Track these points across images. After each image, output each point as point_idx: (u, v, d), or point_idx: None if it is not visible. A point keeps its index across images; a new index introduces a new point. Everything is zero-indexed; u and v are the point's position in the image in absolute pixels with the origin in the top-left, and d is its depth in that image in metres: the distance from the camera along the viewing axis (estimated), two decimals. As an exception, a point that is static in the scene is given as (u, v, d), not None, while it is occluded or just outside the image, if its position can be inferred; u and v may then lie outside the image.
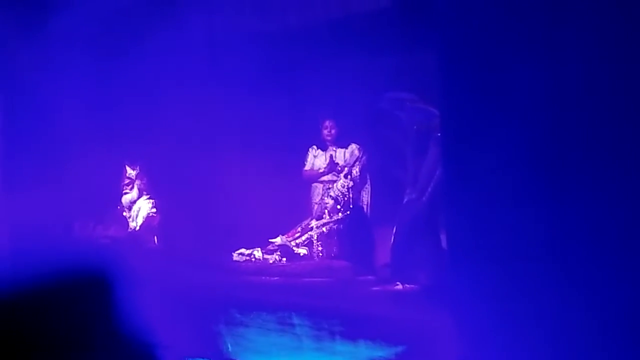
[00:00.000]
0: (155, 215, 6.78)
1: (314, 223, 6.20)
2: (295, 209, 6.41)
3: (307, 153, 6.43)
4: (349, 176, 6.20)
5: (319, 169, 6.36)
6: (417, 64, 5.66)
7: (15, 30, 6.45)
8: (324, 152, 6.38)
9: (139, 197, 6.87)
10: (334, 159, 6.29)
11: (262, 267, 5.98)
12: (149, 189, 6.86)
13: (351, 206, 6.14)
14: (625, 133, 3.50)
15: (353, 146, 6.28)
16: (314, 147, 6.41)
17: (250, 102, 6.17)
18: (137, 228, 6.78)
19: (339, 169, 6.25)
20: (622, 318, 3.46)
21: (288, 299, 5.40)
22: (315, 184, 6.37)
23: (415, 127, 5.75)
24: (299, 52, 6.30)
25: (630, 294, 3.44)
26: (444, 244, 4.90)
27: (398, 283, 5.44)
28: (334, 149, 6.34)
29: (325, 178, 6.31)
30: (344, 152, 6.30)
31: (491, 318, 3.86)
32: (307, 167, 6.41)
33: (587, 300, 3.57)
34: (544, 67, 3.75)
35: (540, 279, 3.72)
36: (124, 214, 6.88)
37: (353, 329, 4.92)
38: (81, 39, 6.40)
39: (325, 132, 6.32)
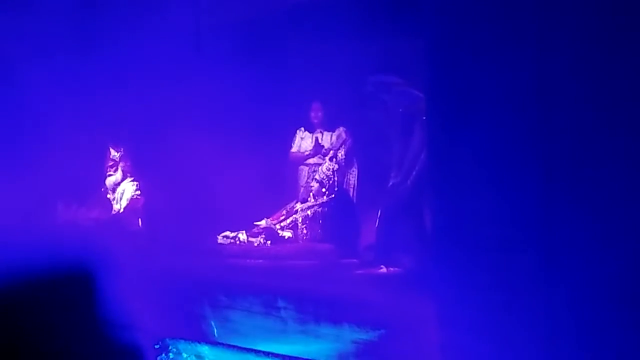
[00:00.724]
0: (139, 197, 6.76)
1: (298, 206, 6.21)
2: (280, 191, 6.41)
3: (294, 135, 6.42)
4: (334, 159, 6.21)
5: (305, 151, 6.36)
6: (403, 47, 5.66)
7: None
8: (310, 135, 6.38)
9: (123, 179, 6.84)
10: (319, 141, 6.29)
11: (246, 250, 5.99)
12: (133, 171, 6.83)
13: (336, 189, 6.15)
14: (610, 124, 3.51)
15: (340, 129, 6.28)
16: (302, 129, 6.41)
17: (237, 85, 6.14)
18: (121, 210, 6.76)
19: (324, 151, 6.25)
20: (604, 305, 3.49)
21: (273, 282, 5.41)
22: (301, 166, 6.37)
23: (400, 110, 5.76)
24: (285, 35, 6.27)
25: (612, 283, 3.47)
26: (428, 227, 4.92)
27: (382, 266, 5.47)
28: (321, 131, 6.34)
29: (310, 161, 6.32)
30: (331, 135, 6.30)
31: (473, 301, 3.89)
32: (294, 149, 6.42)
33: (569, 286, 3.60)
34: (530, 53, 3.75)
35: (523, 264, 3.75)
36: (108, 196, 6.85)
37: (337, 312, 4.94)
38: (64, 21, 6.34)
39: (312, 114, 6.32)
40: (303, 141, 6.39)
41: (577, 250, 3.59)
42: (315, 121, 6.33)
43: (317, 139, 6.32)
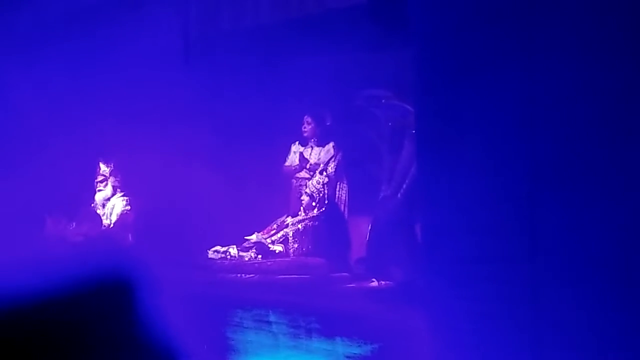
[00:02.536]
0: (129, 212, 6.73)
1: (289, 220, 6.20)
2: (271, 205, 6.40)
3: (289, 149, 6.43)
4: (324, 172, 6.21)
5: (297, 165, 6.36)
6: (393, 61, 5.68)
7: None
8: (303, 148, 6.39)
9: (113, 195, 6.81)
10: (304, 155, 6.30)
11: (237, 265, 5.96)
12: (123, 186, 6.81)
13: (327, 203, 6.15)
14: (604, 131, 3.53)
15: (330, 144, 6.28)
16: (296, 143, 6.41)
17: (227, 99, 6.15)
18: (111, 226, 6.73)
19: (309, 166, 6.25)
20: (598, 316, 3.50)
21: (264, 297, 5.39)
22: (292, 180, 6.37)
23: (390, 124, 5.77)
24: (274, 49, 6.29)
25: (605, 293, 3.48)
26: (418, 240, 4.92)
27: (373, 280, 5.47)
28: (312, 145, 6.34)
29: (301, 174, 6.32)
30: (321, 149, 6.30)
31: (465, 315, 3.89)
32: (287, 163, 6.41)
33: (562, 298, 3.61)
34: (519, 65, 3.78)
35: (515, 276, 3.75)
36: (98, 211, 6.82)
37: (329, 326, 4.93)
38: (55, 32, 6.34)
39: (303, 128, 6.33)
40: (295, 155, 6.40)
41: (565, 259, 3.60)
42: (306, 135, 6.33)
43: (301, 153, 6.32)
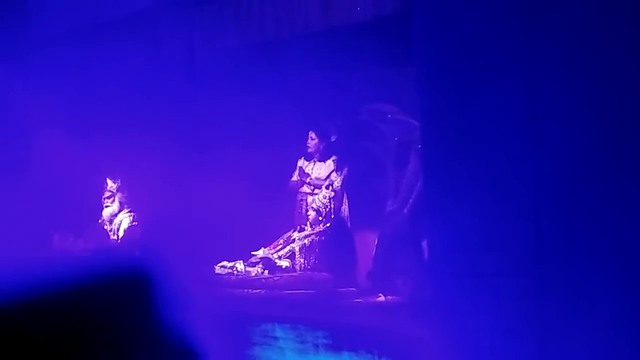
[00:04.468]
0: (136, 228, 6.75)
1: (295, 235, 6.19)
2: (277, 220, 6.40)
3: (295, 165, 6.45)
4: (330, 187, 6.22)
5: (303, 180, 6.37)
6: (398, 76, 5.70)
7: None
8: (307, 163, 6.41)
9: (120, 210, 6.83)
10: (305, 170, 6.32)
11: (244, 280, 5.95)
12: (130, 202, 6.83)
13: (333, 217, 6.15)
14: (610, 143, 3.54)
15: (334, 158, 6.30)
16: (302, 158, 6.43)
17: (231, 115, 6.17)
18: (119, 241, 6.74)
19: (309, 180, 6.27)
20: (604, 329, 3.49)
21: (271, 312, 5.39)
22: (298, 195, 6.38)
23: (396, 138, 5.79)
24: (279, 65, 6.31)
25: (610, 306, 3.48)
26: (425, 255, 4.92)
27: (380, 294, 5.45)
28: (315, 160, 6.36)
29: (307, 189, 6.33)
30: (322, 165, 6.32)
31: (472, 329, 3.88)
32: (294, 178, 6.43)
33: (567, 311, 3.60)
34: (522, 80, 3.79)
35: (521, 290, 3.75)
36: (105, 227, 6.84)
37: (336, 341, 4.91)
38: (62, 47, 6.38)
39: (308, 143, 6.35)
40: (301, 170, 6.41)
41: (570, 272, 3.60)
42: (310, 150, 6.35)
43: (309, 167, 6.34)
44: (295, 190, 6.40)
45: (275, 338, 5.18)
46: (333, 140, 6.31)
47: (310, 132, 6.33)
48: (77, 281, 1.46)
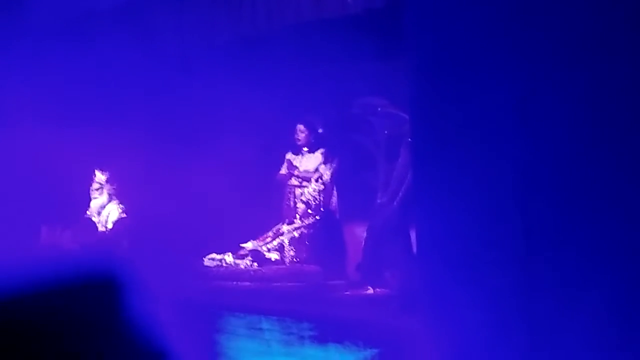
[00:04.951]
0: (125, 220, 6.72)
1: (285, 227, 6.19)
2: (266, 213, 6.40)
3: (284, 157, 6.45)
4: (319, 180, 6.21)
5: (291, 173, 6.37)
6: (389, 70, 5.70)
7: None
8: (296, 157, 6.41)
9: (108, 202, 6.81)
10: (293, 163, 6.32)
11: (233, 272, 5.95)
12: (118, 194, 6.80)
13: (322, 210, 6.15)
14: (600, 141, 3.55)
15: (322, 151, 6.30)
16: (290, 151, 6.43)
17: (222, 107, 6.15)
18: (107, 233, 6.72)
19: (297, 173, 6.27)
20: (592, 321, 3.50)
21: (258, 304, 5.38)
22: (287, 188, 6.38)
23: (386, 132, 5.78)
24: (270, 58, 6.30)
25: (601, 298, 3.49)
26: (414, 248, 4.93)
27: (369, 287, 5.46)
28: (302, 153, 6.36)
29: (295, 182, 6.32)
30: (310, 157, 6.32)
31: (461, 321, 3.89)
32: (282, 171, 6.43)
33: (556, 303, 3.61)
34: (514, 74, 3.80)
35: (510, 283, 3.76)
36: (93, 219, 6.81)
37: (323, 333, 4.91)
38: (51, 40, 6.35)
39: (296, 136, 6.34)
40: (289, 163, 6.41)
41: (559, 264, 3.61)
42: (298, 143, 6.35)
43: (297, 160, 6.34)
44: (283, 183, 6.39)
45: (261, 329, 5.18)
46: (320, 132, 6.31)
47: (298, 125, 6.33)
48: (50, 280, 1.45)
